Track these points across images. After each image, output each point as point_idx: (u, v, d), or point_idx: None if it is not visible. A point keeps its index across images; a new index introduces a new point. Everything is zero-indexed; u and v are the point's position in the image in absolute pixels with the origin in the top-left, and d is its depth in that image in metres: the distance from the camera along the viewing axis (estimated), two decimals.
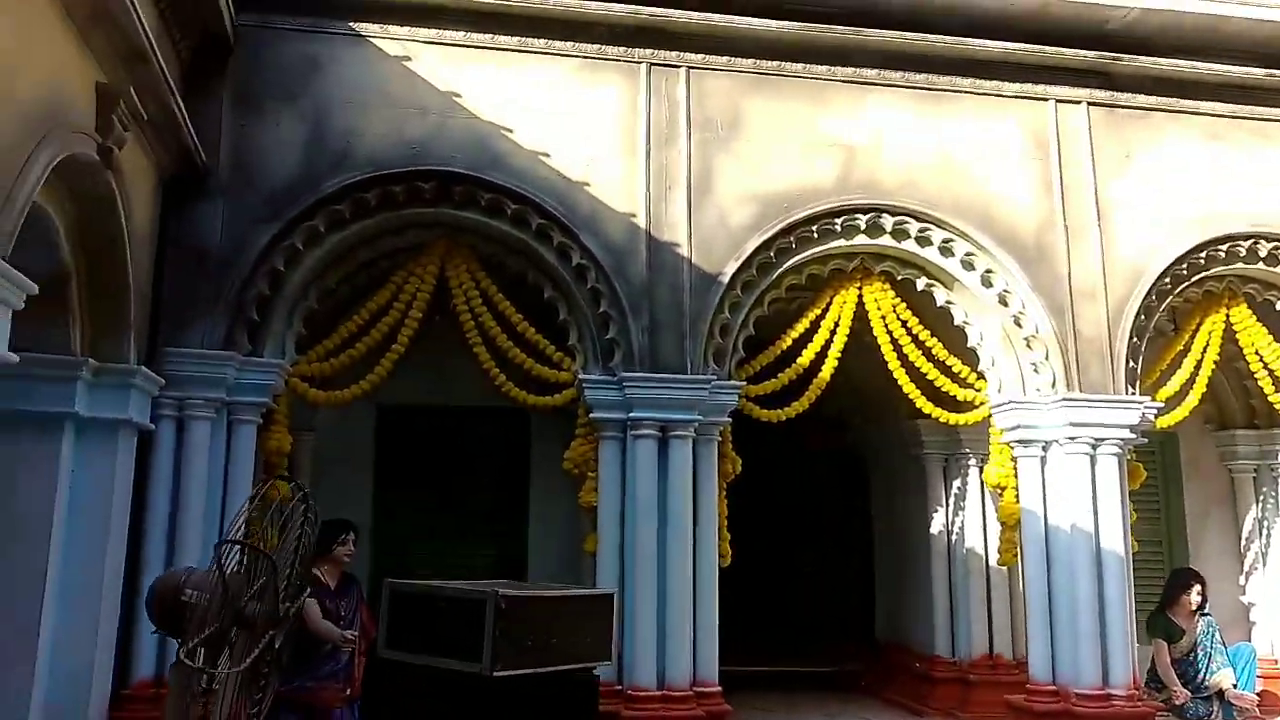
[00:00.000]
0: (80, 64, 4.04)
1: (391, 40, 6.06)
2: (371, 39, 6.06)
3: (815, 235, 6.27)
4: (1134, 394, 6.28)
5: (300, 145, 5.85)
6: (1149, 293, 6.45)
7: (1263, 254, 6.74)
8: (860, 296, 6.49)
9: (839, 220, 6.29)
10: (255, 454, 5.56)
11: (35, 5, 3.59)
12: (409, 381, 6.71)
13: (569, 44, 6.24)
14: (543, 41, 6.22)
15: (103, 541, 4.57)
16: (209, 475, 5.30)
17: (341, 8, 5.99)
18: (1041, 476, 6.31)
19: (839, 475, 9.94)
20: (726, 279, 6.05)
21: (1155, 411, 6.35)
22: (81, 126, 4.05)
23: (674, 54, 6.34)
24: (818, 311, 6.44)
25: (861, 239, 6.35)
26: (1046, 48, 6.60)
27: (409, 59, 6.06)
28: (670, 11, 6.22)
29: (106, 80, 4.24)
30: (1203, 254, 6.62)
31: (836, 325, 6.38)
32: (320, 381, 5.91)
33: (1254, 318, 6.94)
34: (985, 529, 7.72)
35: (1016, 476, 6.41)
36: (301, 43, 5.98)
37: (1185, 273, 6.60)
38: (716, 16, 6.27)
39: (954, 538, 7.90)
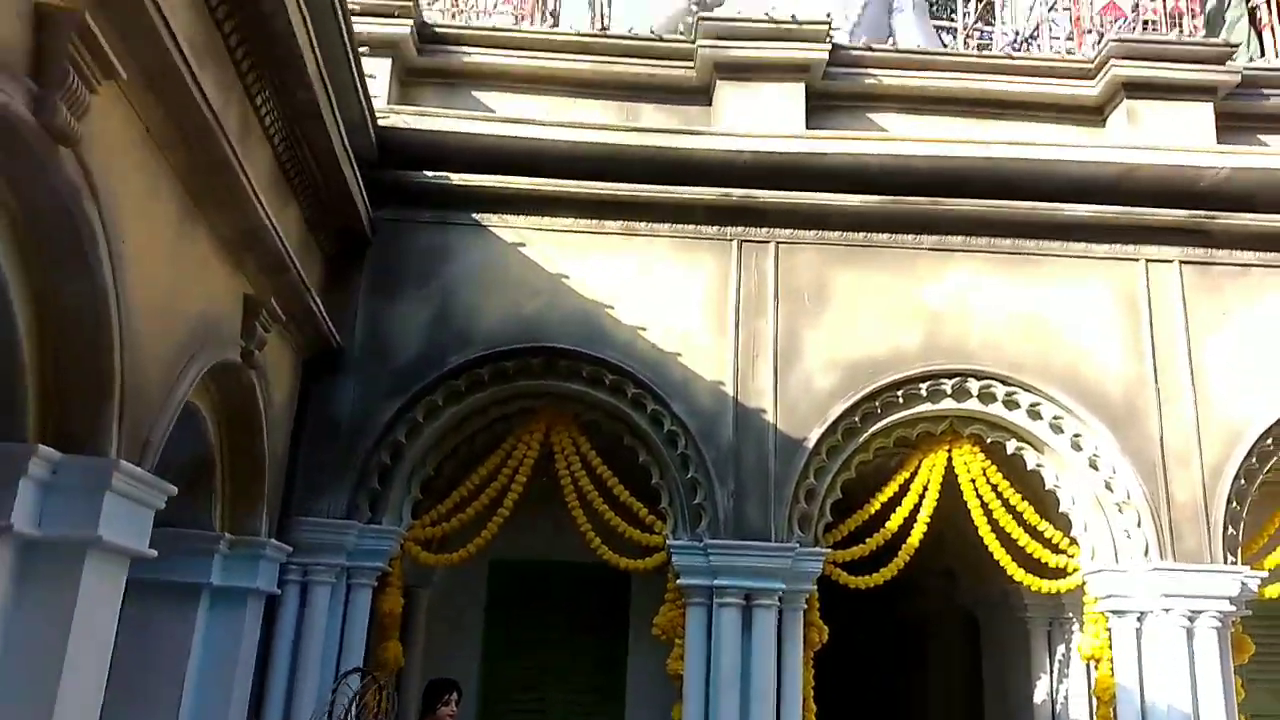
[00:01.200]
0: (229, 281, 4.78)
1: (509, 229, 6.71)
2: (491, 228, 6.73)
3: (901, 400, 6.49)
4: (1234, 562, 6.13)
5: (425, 325, 6.52)
6: (1249, 455, 6.32)
7: None
8: (950, 459, 6.62)
9: (924, 385, 6.49)
10: (370, 614, 6.10)
11: (195, 239, 4.32)
12: (519, 537, 7.18)
13: (667, 225, 6.76)
14: (644, 224, 6.76)
15: (226, 703, 5.09)
16: (326, 638, 5.83)
17: (466, 201, 6.68)
18: (1137, 648, 6.13)
19: (951, 634, 9.81)
20: (811, 444, 6.31)
21: (1259, 581, 6.17)
22: (229, 335, 4.77)
23: (764, 230, 6.77)
24: (906, 475, 6.61)
25: (948, 403, 6.52)
26: (1136, 209, 6.70)
27: (524, 245, 6.70)
28: (761, 192, 6.67)
29: (252, 291, 4.98)
30: None
31: (925, 489, 6.51)
32: (433, 544, 6.45)
33: None
34: (1090, 700, 7.49)
35: (1111, 648, 6.28)
36: (430, 233, 6.71)
37: None
38: (803, 195, 6.68)
39: (1058, 707, 7.69)
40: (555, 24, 15.28)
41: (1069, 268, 6.76)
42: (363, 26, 6.40)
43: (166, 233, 3.92)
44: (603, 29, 15.19)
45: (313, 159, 5.48)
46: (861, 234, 6.77)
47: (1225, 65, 6.95)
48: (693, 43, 7.00)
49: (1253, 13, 15.72)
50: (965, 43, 15.69)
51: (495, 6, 13.90)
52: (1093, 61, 7.06)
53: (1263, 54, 15.39)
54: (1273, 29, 15.36)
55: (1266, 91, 7.09)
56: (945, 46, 15.92)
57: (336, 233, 6.40)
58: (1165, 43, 7.09)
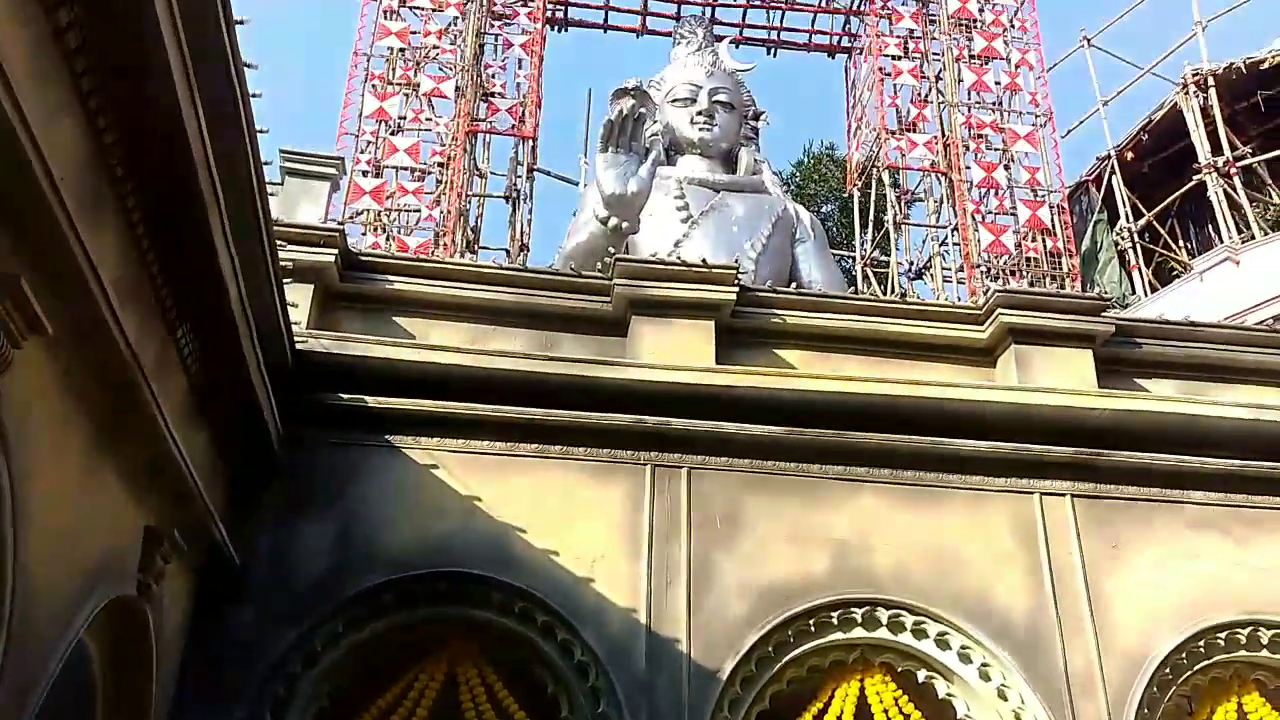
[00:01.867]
0: (132, 513, 4.66)
1: (421, 450, 6.72)
2: (404, 449, 6.73)
3: (813, 629, 6.50)
4: None
5: (331, 548, 6.38)
6: (1149, 684, 6.46)
7: (1264, 641, 6.76)
8: (862, 689, 6.60)
9: (836, 614, 6.54)
10: None
11: (101, 476, 4.24)
12: None
13: (582, 449, 6.86)
14: (559, 448, 6.85)
15: None
16: None
17: (380, 423, 6.70)
18: None
19: None
20: (725, 675, 6.22)
21: None
22: (126, 569, 4.61)
23: (676, 455, 6.91)
24: (819, 705, 6.54)
25: (859, 632, 6.56)
26: (1027, 445, 7.07)
27: (436, 467, 6.70)
28: (674, 420, 6.86)
29: (154, 522, 4.86)
30: (1201, 643, 6.68)
31: None
32: None
33: (1268, 705, 6.85)
34: None
35: None
36: (341, 454, 6.67)
37: (1186, 662, 6.64)
38: (714, 423, 6.89)
39: None
40: (476, 239, 15.89)
41: (969, 500, 7.02)
42: (289, 254, 6.59)
43: (74, 474, 3.86)
44: (522, 246, 15.84)
45: (228, 385, 5.49)
46: (770, 462, 6.96)
47: (1100, 315, 7.55)
48: (609, 279, 7.34)
49: (1122, 255, 17.32)
50: (863, 271, 16.78)
51: (417, 223, 14.46)
52: (981, 308, 7.60)
53: (1134, 291, 16.83)
54: (1140, 270, 16.90)
55: (1138, 340, 7.70)
56: (845, 274, 16.95)
57: (245, 453, 6.33)
58: (1045, 294, 7.74)
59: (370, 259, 7.50)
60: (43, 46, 2.88)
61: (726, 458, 6.95)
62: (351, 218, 13.98)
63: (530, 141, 15.44)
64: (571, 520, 6.63)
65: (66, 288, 3.20)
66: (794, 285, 11.83)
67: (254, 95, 4.36)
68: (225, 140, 4.05)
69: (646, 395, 6.87)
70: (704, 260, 7.41)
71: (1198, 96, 16.65)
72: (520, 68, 15.60)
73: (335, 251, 7.03)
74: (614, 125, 9.65)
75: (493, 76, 15.62)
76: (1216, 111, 16.49)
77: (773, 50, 17.43)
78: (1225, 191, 16.20)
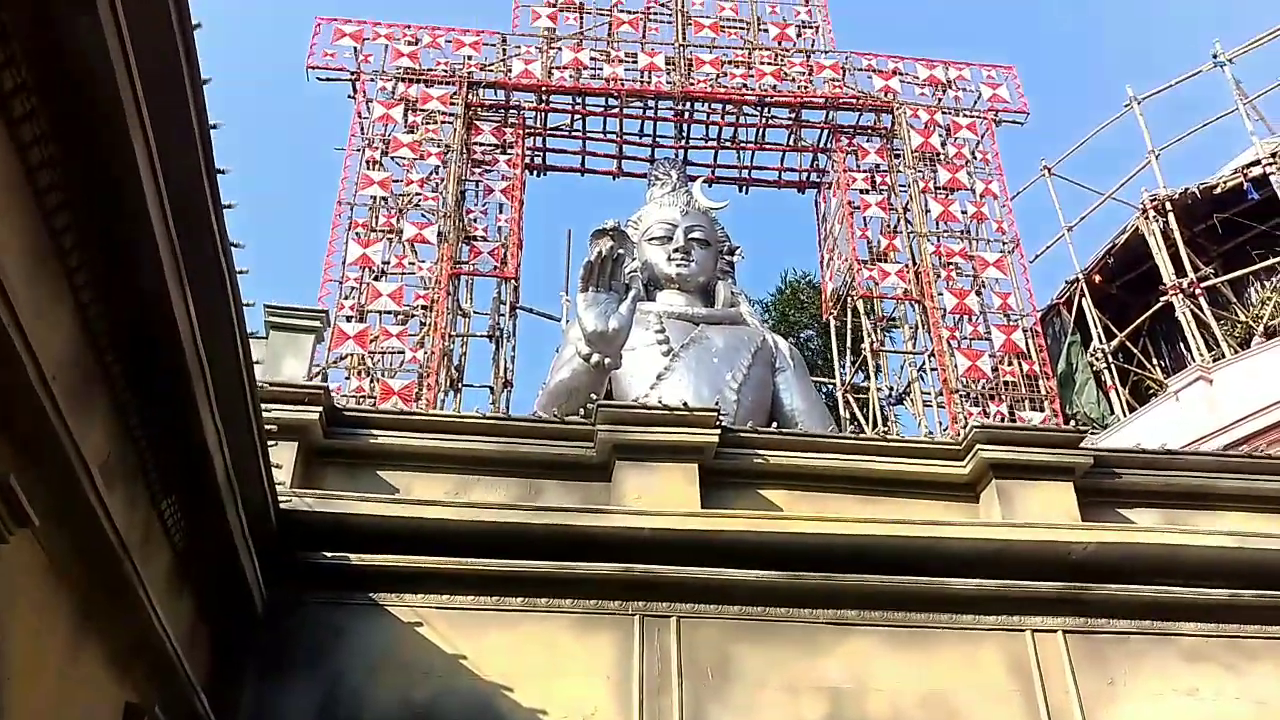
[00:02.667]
0: (113, 692, 4.56)
1: (405, 608, 6.63)
2: (388, 606, 6.64)
3: None
4: None
5: (314, 713, 6.23)
6: None
7: None
8: None
9: None
10: None
11: (83, 659, 4.16)
12: None
13: (569, 600, 6.77)
14: (545, 600, 6.76)
15: None
16: None
17: (364, 580, 6.62)
18: None
19: None
20: None
21: None
22: None
23: (665, 604, 6.83)
24: None
25: None
26: (1015, 582, 7.03)
27: (420, 624, 6.60)
28: (661, 568, 6.80)
29: (136, 699, 4.75)
30: None
31: None
32: None
33: None
34: None
35: None
36: (324, 613, 6.57)
37: None
38: (702, 570, 6.83)
39: None
40: (460, 378, 15.97)
41: (961, 640, 6.93)
42: (273, 414, 6.61)
43: (55, 657, 3.81)
44: (506, 383, 15.92)
45: (212, 552, 5.46)
46: (759, 608, 6.89)
47: (1078, 447, 7.63)
48: (592, 425, 7.40)
49: (1098, 375, 17.57)
50: (844, 397, 16.90)
51: (401, 365, 14.55)
52: (961, 443, 7.68)
53: (1112, 412, 17.00)
54: (1117, 389, 17.12)
55: (1117, 470, 7.76)
56: (827, 399, 17.08)
57: (228, 617, 6.23)
58: (1022, 429, 7.86)
59: (354, 414, 7.55)
60: (40, 252, 2.97)
61: (716, 605, 6.86)
62: (335, 362, 14.04)
63: (512, 281, 15.68)
64: (559, 675, 6.51)
65: (54, 478, 3.22)
66: (775, 416, 11.99)
67: (241, 272, 4.48)
68: (211, 319, 4.14)
69: (632, 543, 6.83)
70: (685, 403, 7.50)
71: (1158, 220, 17.20)
72: (501, 211, 15.94)
73: (319, 409, 7.07)
74: (594, 265, 9.88)
75: (474, 220, 15.95)
76: (1177, 235, 17.00)
77: (744, 188, 17.90)
78: (1192, 311, 16.57)
